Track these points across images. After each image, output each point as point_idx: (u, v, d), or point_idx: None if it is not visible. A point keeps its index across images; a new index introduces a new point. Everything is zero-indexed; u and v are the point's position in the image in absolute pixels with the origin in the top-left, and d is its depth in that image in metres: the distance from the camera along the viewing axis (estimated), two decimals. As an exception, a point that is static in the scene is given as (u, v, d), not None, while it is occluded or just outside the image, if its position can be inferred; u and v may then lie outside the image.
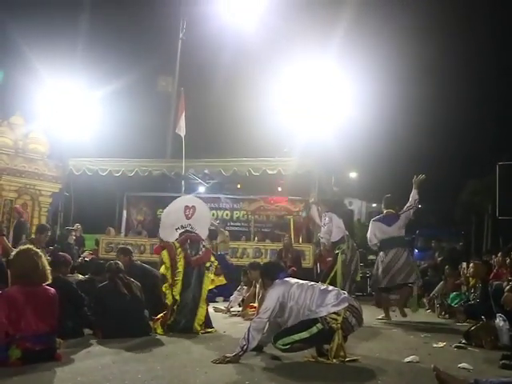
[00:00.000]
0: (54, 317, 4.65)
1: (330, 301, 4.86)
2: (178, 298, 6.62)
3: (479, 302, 7.96)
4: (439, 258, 12.66)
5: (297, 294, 4.95)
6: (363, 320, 5.07)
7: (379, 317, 8.25)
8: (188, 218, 7.07)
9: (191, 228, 7.02)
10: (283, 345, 4.87)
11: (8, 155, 13.00)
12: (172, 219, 7.12)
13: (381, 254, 8.33)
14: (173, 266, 6.72)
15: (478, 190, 29.94)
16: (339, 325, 4.75)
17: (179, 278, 6.68)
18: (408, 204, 8.45)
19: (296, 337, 4.83)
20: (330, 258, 8.91)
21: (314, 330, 4.77)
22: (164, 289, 6.67)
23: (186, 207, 7.13)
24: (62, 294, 4.96)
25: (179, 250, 6.78)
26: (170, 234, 7.02)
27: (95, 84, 16.99)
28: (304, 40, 20.94)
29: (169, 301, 6.63)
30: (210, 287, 7.03)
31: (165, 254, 6.81)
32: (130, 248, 8.01)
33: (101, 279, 6.68)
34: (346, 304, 4.85)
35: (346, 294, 5.07)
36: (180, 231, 6.98)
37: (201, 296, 6.74)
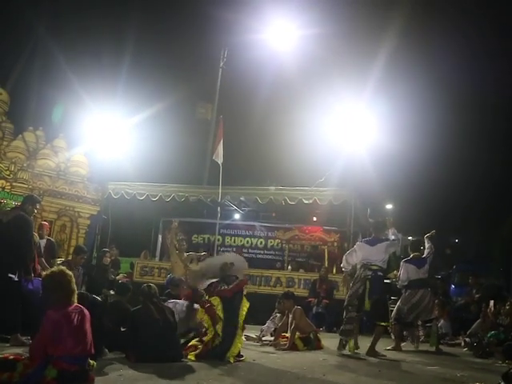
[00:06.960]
0: (89, 338, 4.68)
1: None
2: (220, 333, 6.47)
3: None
4: (477, 295, 12.33)
5: None
6: None
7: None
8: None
9: None
10: None
11: (50, 177, 13.33)
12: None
13: (409, 291, 8.91)
14: (212, 318, 6.55)
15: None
16: None
17: (221, 315, 6.52)
18: (428, 250, 9.12)
19: None
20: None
21: None
22: (206, 325, 6.63)
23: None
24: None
25: (213, 298, 6.66)
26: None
27: (135, 109, 17.35)
28: (343, 70, 21.04)
29: (210, 334, 6.52)
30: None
31: (205, 317, 6.67)
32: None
33: (126, 300, 6.71)
34: None
35: None
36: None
37: (238, 324, 6.59)
